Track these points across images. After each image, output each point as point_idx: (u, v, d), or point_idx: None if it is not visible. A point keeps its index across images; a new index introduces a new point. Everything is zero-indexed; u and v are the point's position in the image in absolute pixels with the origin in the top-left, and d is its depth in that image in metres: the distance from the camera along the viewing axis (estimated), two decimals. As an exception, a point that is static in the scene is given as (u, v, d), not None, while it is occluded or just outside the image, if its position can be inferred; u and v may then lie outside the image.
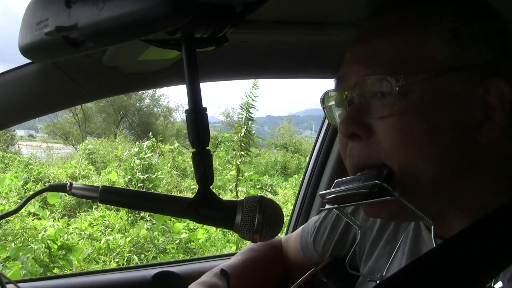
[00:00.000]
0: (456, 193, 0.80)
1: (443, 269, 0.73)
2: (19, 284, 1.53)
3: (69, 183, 0.90)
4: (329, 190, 0.89)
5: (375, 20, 0.85)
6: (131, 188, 7.38)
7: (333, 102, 0.93)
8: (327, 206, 0.92)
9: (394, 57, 0.78)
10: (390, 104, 0.77)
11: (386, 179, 0.77)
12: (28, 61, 1.13)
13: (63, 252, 5.23)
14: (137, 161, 8.33)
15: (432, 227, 0.80)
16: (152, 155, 8.76)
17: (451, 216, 0.83)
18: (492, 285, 0.72)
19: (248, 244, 1.39)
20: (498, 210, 0.76)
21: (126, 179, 8.13)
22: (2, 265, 5.01)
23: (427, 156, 0.77)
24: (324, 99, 0.94)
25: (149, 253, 6.14)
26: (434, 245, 0.79)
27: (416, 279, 0.74)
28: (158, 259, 6.03)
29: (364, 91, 0.81)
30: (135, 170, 8.27)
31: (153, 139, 9.76)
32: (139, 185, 8.07)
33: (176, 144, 11.92)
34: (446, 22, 0.78)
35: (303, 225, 1.39)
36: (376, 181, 0.77)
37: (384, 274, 1.00)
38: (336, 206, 0.91)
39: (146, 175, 8.20)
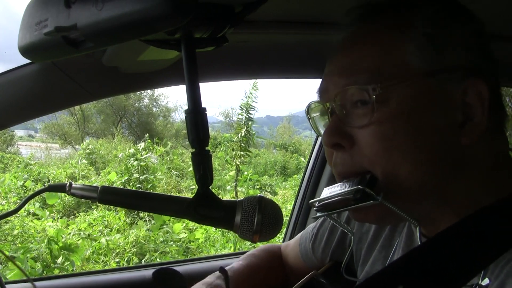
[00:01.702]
0: (443, 194, 0.81)
1: (426, 266, 0.74)
2: (20, 285, 1.53)
3: (68, 183, 0.90)
4: (317, 198, 0.91)
5: (353, 30, 0.87)
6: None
7: (316, 113, 0.95)
8: (317, 214, 0.94)
9: (371, 66, 0.80)
10: (369, 113, 0.78)
11: (369, 184, 0.79)
12: (28, 61, 1.13)
13: (65, 253, 5.22)
14: (134, 163, 8.31)
15: (418, 228, 0.82)
16: (149, 156, 8.75)
17: (440, 216, 0.84)
18: (479, 282, 0.73)
19: (249, 250, 1.40)
20: (483, 208, 0.77)
21: (123, 180, 8.12)
22: (3, 265, 5.00)
23: (410, 161, 0.78)
24: (308, 110, 0.96)
25: (149, 253, 6.14)
26: (419, 243, 0.80)
27: (403, 274, 0.75)
28: (158, 259, 6.03)
29: (345, 101, 0.82)
30: (132, 171, 8.25)
31: (149, 140, 9.73)
32: (137, 185, 8.06)
33: (170, 145, 11.90)
34: (421, 28, 0.79)
35: (302, 232, 1.40)
36: (359, 187, 0.79)
37: None
38: (325, 213, 0.92)
39: (144, 176, 8.19)
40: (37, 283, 1.80)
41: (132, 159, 8.40)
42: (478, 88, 0.77)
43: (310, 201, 0.95)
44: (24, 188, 8.34)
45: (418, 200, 0.81)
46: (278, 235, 0.95)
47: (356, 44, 0.84)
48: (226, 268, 1.26)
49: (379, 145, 0.78)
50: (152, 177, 8.42)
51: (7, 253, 5.21)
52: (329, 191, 0.88)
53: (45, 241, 5.35)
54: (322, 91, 0.89)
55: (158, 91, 22.78)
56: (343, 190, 0.83)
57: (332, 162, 0.87)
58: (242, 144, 8.60)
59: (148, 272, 1.85)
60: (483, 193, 0.80)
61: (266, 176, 12.03)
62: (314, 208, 0.93)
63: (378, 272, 0.81)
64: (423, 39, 0.78)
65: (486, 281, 0.73)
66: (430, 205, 0.82)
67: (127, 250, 6.11)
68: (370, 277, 0.79)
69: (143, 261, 5.93)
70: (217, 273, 1.21)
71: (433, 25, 0.79)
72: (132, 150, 8.78)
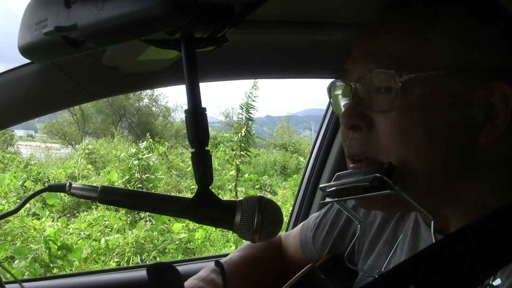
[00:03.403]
0: (453, 192, 0.81)
1: (441, 265, 0.73)
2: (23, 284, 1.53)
3: (68, 183, 0.90)
4: (329, 183, 0.90)
5: (384, 16, 0.86)
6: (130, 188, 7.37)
7: (339, 92, 0.95)
8: (327, 199, 0.93)
9: (399, 53, 0.79)
10: (392, 99, 0.78)
11: (387, 173, 0.77)
12: (28, 61, 1.13)
13: (63, 252, 5.22)
14: (135, 162, 8.30)
15: (432, 222, 0.80)
16: (150, 156, 8.73)
17: (448, 213, 0.84)
18: (490, 282, 0.73)
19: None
20: (498, 210, 0.76)
21: (125, 179, 8.12)
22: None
23: (423, 154, 0.78)
24: (331, 88, 0.95)
25: (149, 253, 6.14)
26: (434, 240, 0.79)
27: (414, 273, 0.75)
28: (158, 259, 6.03)
29: (368, 84, 0.82)
30: (134, 171, 8.25)
31: (150, 140, 9.72)
32: (138, 185, 8.05)
33: (167, 146, 11.89)
34: (453, 22, 0.78)
35: (304, 222, 1.39)
36: (377, 175, 0.78)
37: (382, 270, 1.01)
38: (336, 199, 0.91)
39: (145, 176, 8.18)
40: (36, 283, 1.80)
41: (133, 158, 8.39)
42: (504, 90, 0.76)
43: (321, 185, 0.94)
44: (24, 188, 8.34)
45: (426, 193, 0.80)
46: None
47: (385, 29, 0.84)
48: (223, 260, 1.26)
49: (396, 133, 0.78)
50: (153, 176, 8.42)
51: (6, 253, 5.22)
52: (342, 177, 0.88)
53: (43, 241, 5.34)
54: (347, 71, 0.88)
55: (158, 90, 22.77)
56: (359, 177, 0.82)
57: (347, 144, 0.87)
58: (242, 144, 8.59)
59: (148, 272, 1.84)
60: (495, 194, 0.80)
61: (266, 176, 12.03)
62: (325, 193, 0.92)
63: (391, 269, 0.81)
64: (453, 34, 0.77)
65: (497, 281, 0.72)
66: (438, 200, 0.82)
67: (127, 250, 6.11)
68: (383, 273, 0.79)
69: (140, 261, 5.93)
70: (212, 266, 1.20)
71: (465, 22, 0.78)
72: (133, 150, 8.77)
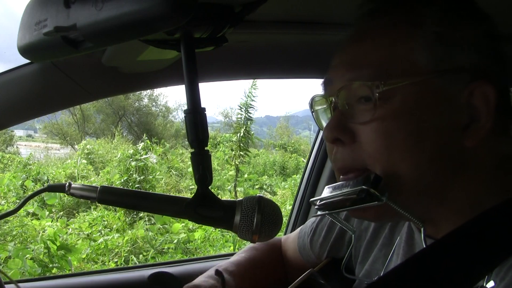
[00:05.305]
0: (443, 195, 0.80)
1: (433, 269, 0.73)
2: (18, 284, 1.53)
3: (68, 183, 0.90)
4: (319, 197, 0.90)
5: (362, 24, 0.86)
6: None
7: (320, 107, 0.94)
8: (318, 213, 0.93)
9: (377, 61, 0.79)
10: (372, 109, 0.78)
11: (373, 184, 0.78)
12: (28, 61, 1.13)
13: (62, 253, 5.22)
14: (133, 163, 8.28)
15: (422, 228, 0.81)
16: (148, 157, 8.71)
17: (440, 217, 0.83)
18: (484, 284, 0.73)
19: (249, 244, 1.40)
20: (489, 210, 0.76)
21: (123, 180, 8.10)
22: (2, 266, 5.00)
23: (410, 159, 0.77)
24: (312, 103, 0.95)
25: (147, 253, 6.14)
26: (424, 245, 0.80)
27: (406, 279, 0.74)
28: (157, 259, 6.03)
29: (349, 96, 0.82)
30: (131, 172, 8.23)
31: (147, 141, 9.69)
32: (136, 186, 8.04)
33: (168, 146, 11.88)
34: (430, 26, 0.78)
35: (302, 226, 1.40)
36: (363, 187, 0.78)
37: (381, 276, 1.01)
38: (327, 212, 0.91)
39: (142, 177, 8.16)
40: (36, 283, 1.80)
41: (130, 159, 8.36)
42: (485, 90, 0.77)
43: (311, 199, 0.94)
44: (24, 188, 8.34)
45: (416, 200, 0.80)
46: (278, 235, 0.95)
47: (364, 38, 0.84)
48: (228, 260, 1.26)
49: (380, 142, 0.78)
50: (151, 177, 8.40)
51: (6, 253, 5.22)
52: (330, 190, 0.87)
53: (43, 241, 5.34)
54: (326, 82, 0.88)
55: (158, 90, 22.78)
56: (346, 190, 0.82)
57: (333, 157, 0.87)
58: (241, 144, 8.59)
59: (147, 272, 1.84)
60: (486, 195, 0.80)
61: (266, 176, 12.03)
62: (315, 207, 0.92)
63: (383, 275, 0.81)
64: (432, 37, 0.77)
65: (491, 283, 0.72)
66: (428, 206, 0.82)
67: (125, 250, 6.11)
68: (376, 280, 0.79)
69: (138, 261, 5.93)
70: (210, 273, 1.20)
71: (443, 24, 0.78)
72: (131, 151, 8.75)
